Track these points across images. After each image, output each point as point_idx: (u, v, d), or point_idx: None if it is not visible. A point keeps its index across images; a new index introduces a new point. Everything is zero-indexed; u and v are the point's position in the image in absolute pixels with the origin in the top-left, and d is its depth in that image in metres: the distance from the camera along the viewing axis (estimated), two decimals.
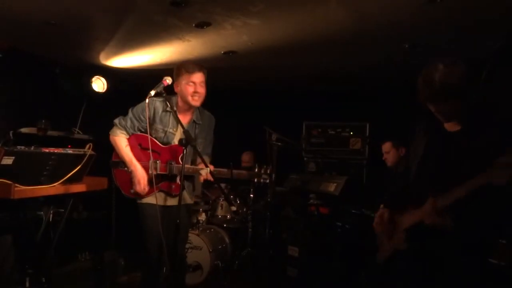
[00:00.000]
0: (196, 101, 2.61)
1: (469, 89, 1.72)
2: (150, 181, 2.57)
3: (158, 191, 2.64)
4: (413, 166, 2.02)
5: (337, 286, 3.62)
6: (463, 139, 1.80)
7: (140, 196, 2.62)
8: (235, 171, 2.63)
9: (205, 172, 2.45)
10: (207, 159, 2.76)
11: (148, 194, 2.61)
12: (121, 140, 2.65)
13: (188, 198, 2.78)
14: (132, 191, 2.62)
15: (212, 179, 2.52)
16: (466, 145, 1.78)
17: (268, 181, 2.63)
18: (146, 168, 2.59)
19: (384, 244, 2.18)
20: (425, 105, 1.84)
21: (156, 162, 2.61)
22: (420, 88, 1.79)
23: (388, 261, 2.14)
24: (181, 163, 2.52)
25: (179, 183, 2.59)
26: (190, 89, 2.57)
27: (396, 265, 2.07)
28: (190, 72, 2.57)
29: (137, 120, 2.64)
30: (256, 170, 2.65)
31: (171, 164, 2.60)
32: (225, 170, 2.62)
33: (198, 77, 2.59)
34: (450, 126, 1.86)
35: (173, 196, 2.66)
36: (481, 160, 1.68)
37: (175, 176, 2.61)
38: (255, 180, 2.67)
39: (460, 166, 1.77)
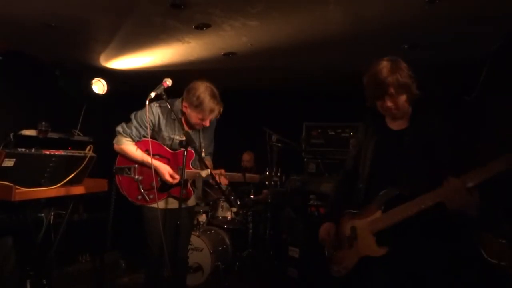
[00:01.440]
0: (199, 127, 2.63)
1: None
2: (160, 187, 2.59)
3: (168, 197, 2.64)
4: (365, 167, 2.00)
5: (337, 287, 3.62)
6: (412, 134, 1.89)
7: (140, 202, 2.62)
8: (247, 175, 2.63)
9: (205, 173, 2.45)
10: (209, 158, 2.78)
11: (159, 199, 2.58)
12: (129, 147, 2.61)
13: (190, 201, 2.77)
14: (139, 197, 2.60)
15: (226, 182, 2.54)
16: (416, 139, 1.86)
17: (279, 183, 2.69)
18: (149, 174, 2.53)
19: (341, 254, 2.08)
20: (376, 103, 1.92)
21: None
22: (379, 83, 1.85)
23: (355, 271, 2.01)
24: (191, 168, 2.54)
25: (191, 188, 2.63)
26: (199, 122, 2.56)
27: (372, 273, 1.93)
28: (209, 113, 2.52)
29: (141, 128, 2.60)
30: (267, 173, 2.70)
31: (182, 169, 2.56)
32: (238, 174, 2.62)
33: (211, 117, 2.58)
34: (397, 125, 1.96)
35: (184, 201, 2.64)
36: (428, 155, 1.80)
37: (186, 181, 2.59)
38: (266, 183, 2.70)
39: (417, 158, 1.84)
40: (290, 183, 4.34)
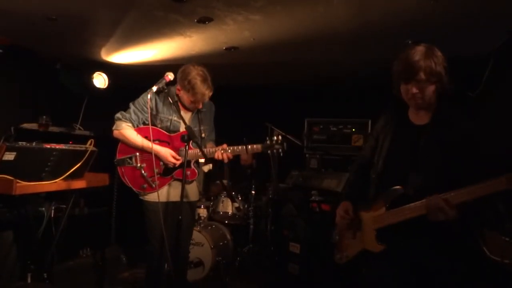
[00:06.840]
0: (193, 108, 2.68)
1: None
2: (163, 172, 2.60)
3: (173, 180, 2.65)
4: (380, 159, 1.95)
5: (338, 283, 3.62)
6: (431, 132, 1.80)
7: (146, 191, 2.62)
8: (249, 146, 2.59)
9: (207, 168, 2.45)
10: (212, 144, 2.78)
11: (162, 184, 2.61)
12: (129, 131, 2.62)
13: (192, 195, 2.77)
14: (144, 186, 2.60)
15: (230, 156, 2.55)
16: (434, 138, 1.78)
17: (281, 150, 2.55)
18: (151, 161, 2.51)
19: (345, 242, 2.07)
20: (401, 88, 1.82)
21: None
22: (409, 64, 1.74)
23: (355, 261, 2.02)
24: (192, 148, 2.54)
25: (194, 168, 2.64)
26: (192, 104, 2.63)
27: (371, 266, 1.94)
28: (200, 97, 2.57)
29: (140, 112, 2.63)
30: (268, 142, 2.58)
31: (183, 150, 2.57)
32: (239, 147, 2.58)
33: (203, 100, 2.63)
34: (419, 119, 1.87)
35: (188, 183, 2.65)
36: (449, 154, 1.71)
37: (189, 161, 2.61)
38: (269, 151, 2.59)
39: (431, 159, 1.77)
40: (292, 179, 4.33)
